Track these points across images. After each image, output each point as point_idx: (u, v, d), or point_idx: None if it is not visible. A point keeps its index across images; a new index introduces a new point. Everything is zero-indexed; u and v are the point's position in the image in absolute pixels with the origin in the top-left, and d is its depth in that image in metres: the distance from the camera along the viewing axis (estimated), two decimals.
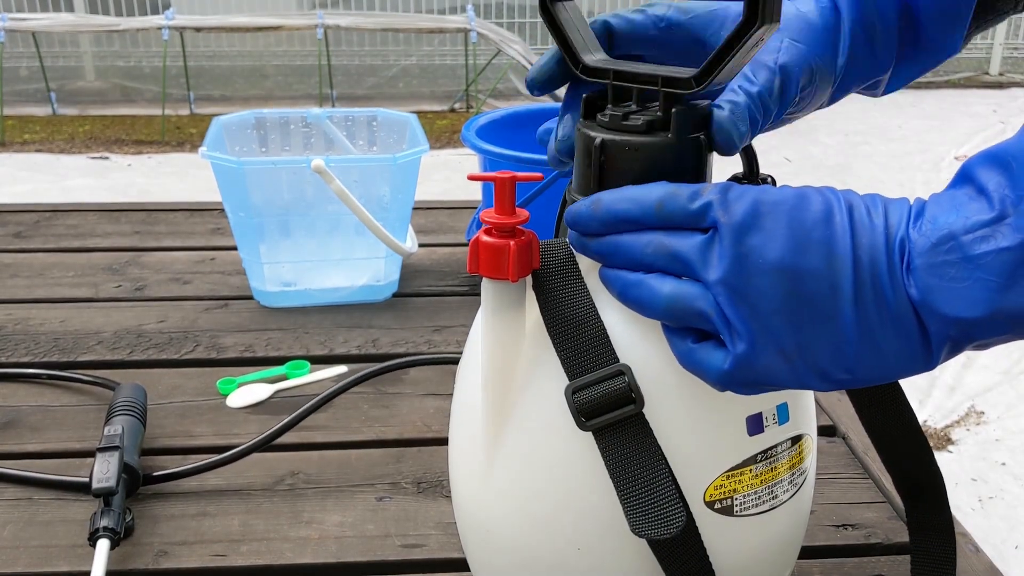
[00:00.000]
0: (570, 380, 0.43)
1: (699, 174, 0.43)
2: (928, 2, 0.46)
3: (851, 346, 0.38)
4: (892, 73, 0.48)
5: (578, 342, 0.43)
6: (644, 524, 0.41)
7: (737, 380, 0.40)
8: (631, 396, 0.42)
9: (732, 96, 0.42)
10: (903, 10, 0.46)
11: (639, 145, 0.43)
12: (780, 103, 0.43)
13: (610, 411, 0.42)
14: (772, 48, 0.43)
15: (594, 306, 0.43)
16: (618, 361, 0.42)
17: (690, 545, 0.43)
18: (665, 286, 0.40)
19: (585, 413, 0.42)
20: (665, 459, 0.42)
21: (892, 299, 0.37)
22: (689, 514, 0.43)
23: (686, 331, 0.41)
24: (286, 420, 0.72)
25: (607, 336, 0.43)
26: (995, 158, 0.37)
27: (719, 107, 0.42)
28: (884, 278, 0.37)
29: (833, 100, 0.48)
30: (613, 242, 0.41)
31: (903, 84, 0.50)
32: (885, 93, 0.50)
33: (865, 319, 0.37)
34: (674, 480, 0.42)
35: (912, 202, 0.38)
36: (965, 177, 0.38)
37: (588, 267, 0.44)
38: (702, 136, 0.43)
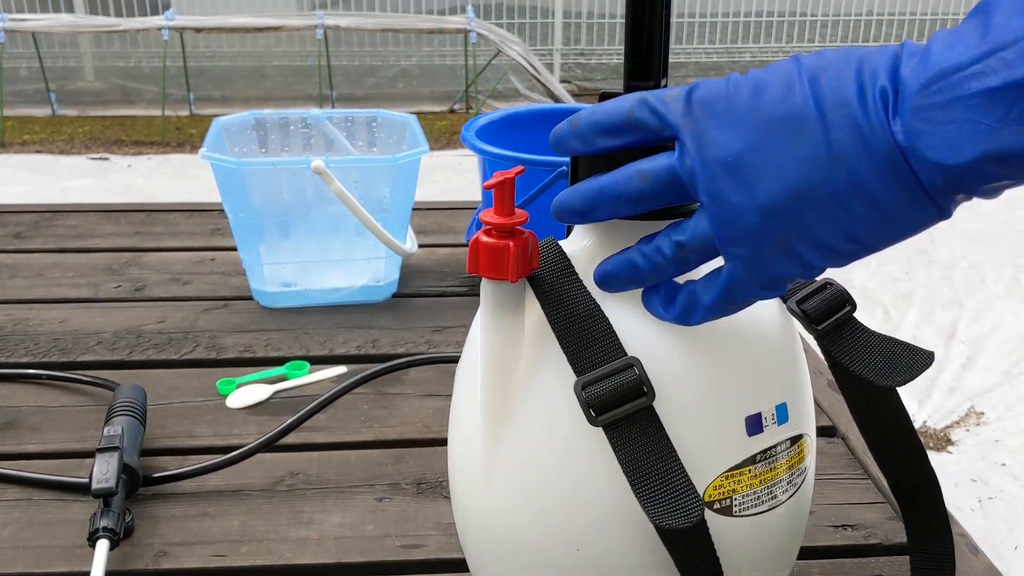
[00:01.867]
0: (577, 376, 0.43)
1: None
2: None
3: (846, 210, 0.36)
4: None
5: (584, 338, 0.43)
6: (663, 515, 0.41)
7: (756, 286, 0.39)
8: (643, 389, 0.42)
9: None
10: None
11: None
12: None
13: (621, 404, 0.42)
14: None
15: (596, 302, 0.43)
16: (626, 355, 0.42)
17: (702, 538, 0.43)
18: (675, 233, 0.40)
19: (596, 408, 0.42)
20: (675, 451, 0.42)
21: (876, 148, 0.35)
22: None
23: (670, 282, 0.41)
24: (290, 420, 0.72)
25: (613, 330, 0.43)
26: None
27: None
28: (863, 128, 0.35)
29: None
30: (595, 188, 0.41)
31: None
32: None
33: (852, 176, 0.35)
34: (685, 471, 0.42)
35: (900, 48, 0.36)
36: (982, 7, 0.35)
37: (585, 267, 0.44)
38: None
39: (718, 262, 0.40)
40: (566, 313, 0.43)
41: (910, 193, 0.35)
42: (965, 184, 0.34)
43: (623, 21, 0.44)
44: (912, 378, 0.43)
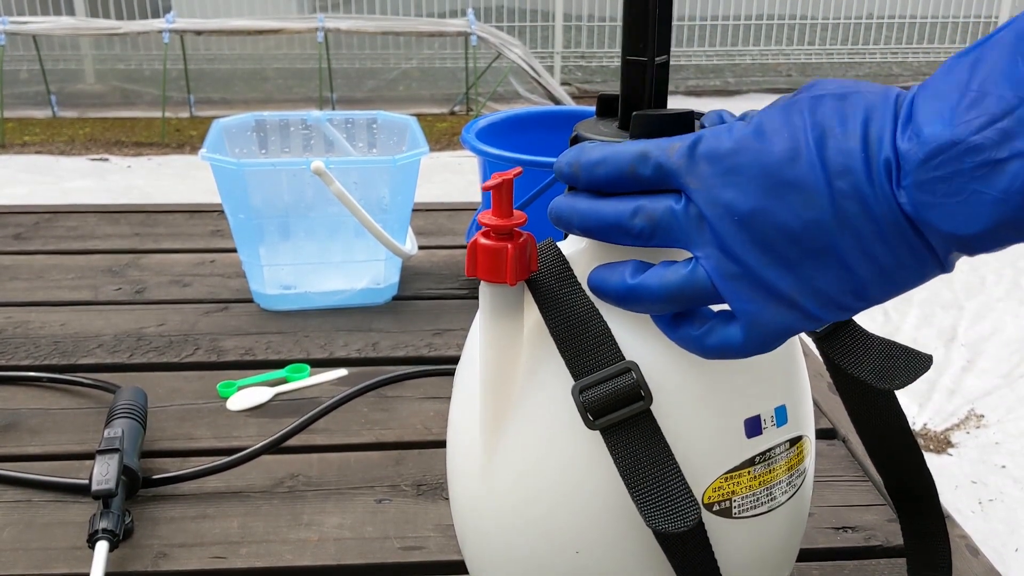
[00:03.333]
0: (575, 380, 0.43)
1: None
2: None
3: (850, 271, 0.36)
4: None
5: (582, 341, 0.43)
6: (660, 519, 0.41)
7: (756, 344, 0.39)
8: (640, 393, 0.42)
9: None
10: None
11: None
12: None
13: (619, 408, 0.42)
14: None
15: (594, 305, 0.43)
16: (624, 359, 0.42)
17: (699, 541, 0.43)
18: (668, 274, 0.39)
19: (594, 411, 0.42)
20: (673, 455, 0.42)
21: (883, 218, 0.35)
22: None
23: (683, 318, 0.41)
24: (292, 425, 0.72)
25: (611, 334, 0.43)
26: (994, 46, 0.34)
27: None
28: (868, 199, 0.35)
29: None
30: (595, 214, 0.40)
31: None
32: None
33: (858, 241, 0.36)
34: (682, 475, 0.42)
35: (901, 100, 0.36)
36: (960, 67, 0.35)
37: (583, 269, 0.44)
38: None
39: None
40: (564, 317, 0.43)
41: (916, 257, 0.36)
42: (981, 248, 0.35)
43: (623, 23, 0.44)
44: (910, 381, 0.43)
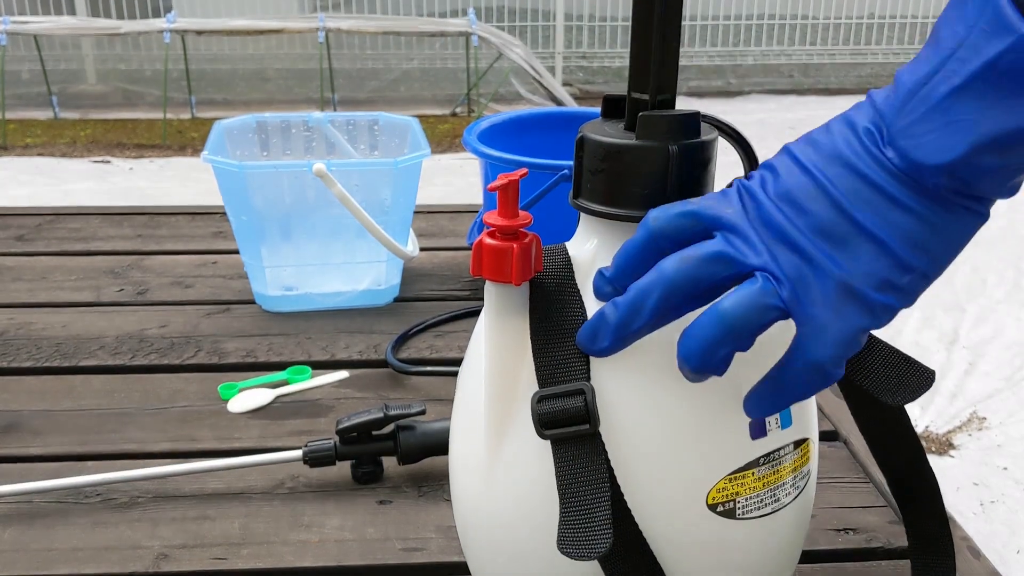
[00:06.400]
0: (539, 387, 0.43)
1: (664, 178, 0.43)
2: None
3: (885, 245, 0.38)
4: None
5: (556, 354, 0.43)
6: (569, 544, 0.41)
7: (849, 347, 0.40)
8: (586, 416, 0.42)
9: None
10: None
11: (604, 144, 0.43)
12: None
13: (566, 426, 0.42)
14: None
15: (585, 319, 0.43)
16: (587, 379, 0.42)
17: (640, 567, 0.43)
18: (725, 303, 0.39)
19: (544, 423, 0.42)
20: (614, 482, 0.42)
21: (884, 183, 0.37)
22: (642, 540, 0.43)
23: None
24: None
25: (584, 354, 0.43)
26: (947, 8, 0.36)
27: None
28: (879, 196, 0.37)
29: None
30: (645, 288, 0.40)
31: None
32: None
33: (876, 216, 0.37)
34: (618, 504, 0.42)
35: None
36: (932, 31, 0.37)
37: (587, 269, 0.44)
38: (675, 146, 0.43)
39: None
40: (548, 324, 0.43)
41: (930, 208, 0.37)
42: (971, 177, 0.36)
43: (625, 24, 0.44)
44: (913, 398, 0.43)
